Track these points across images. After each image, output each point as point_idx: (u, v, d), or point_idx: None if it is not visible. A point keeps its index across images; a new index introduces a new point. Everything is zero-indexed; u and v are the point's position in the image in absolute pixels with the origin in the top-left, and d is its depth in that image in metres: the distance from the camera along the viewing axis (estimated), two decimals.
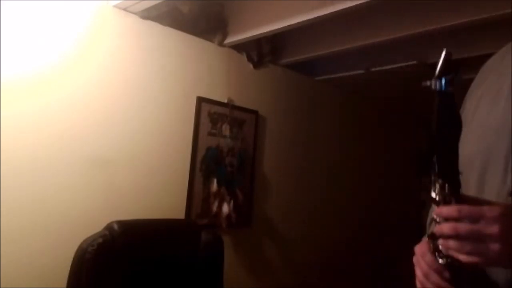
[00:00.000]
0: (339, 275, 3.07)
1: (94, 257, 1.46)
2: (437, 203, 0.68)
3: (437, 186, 0.68)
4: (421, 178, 3.92)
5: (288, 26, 2.05)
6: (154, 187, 2.15)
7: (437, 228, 0.68)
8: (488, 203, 0.68)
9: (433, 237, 0.70)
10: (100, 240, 1.50)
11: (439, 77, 0.66)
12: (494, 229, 0.62)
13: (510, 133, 0.73)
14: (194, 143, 2.31)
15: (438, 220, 0.68)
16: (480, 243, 0.63)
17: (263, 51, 2.64)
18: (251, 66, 2.64)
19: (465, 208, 0.65)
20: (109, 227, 1.57)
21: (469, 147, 0.77)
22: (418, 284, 0.76)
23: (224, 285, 1.82)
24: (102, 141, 1.98)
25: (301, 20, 1.98)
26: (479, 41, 2.16)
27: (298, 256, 2.86)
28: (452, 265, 0.68)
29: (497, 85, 0.80)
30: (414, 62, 2.45)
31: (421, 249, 0.75)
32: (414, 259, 0.77)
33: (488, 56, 0.90)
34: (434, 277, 0.71)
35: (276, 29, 2.12)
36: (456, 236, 0.64)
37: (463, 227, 0.64)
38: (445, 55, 0.67)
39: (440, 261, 0.69)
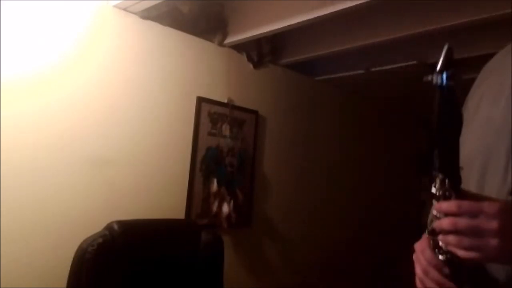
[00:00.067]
0: (339, 275, 3.07)
1: (94, 257, 1.46)
2: (437, 198, 0.69)
3: (438, 181, 0.68)
4: (421, 178, 3.93)
5: (288, 26, 2.05)
6: (154, 187, 2.15)
7: (436, 223, 0.68)
8: (489, 199, 0.68)
9: (433, 233, 0.70)
10: (100, 240, 1.50)
11: (441, 72, 0.66)
12: (493, 224, 0.62)
13: (511, 132, 0.73)
14: (194, 143, 2.31)
15: (438, 215, 0.68)
16: (479, 238, 0.63)
17: (263, 51, 2.64)
18: (251, 66, 2.64)
19: (465, 204, 0.65)
20: (109, 227, 1.57)
21: (469, 146, 0.78)
22: (417, 281, 0.76)
23: (224, 285, 1.82)
24: (102, 141, 1.98)
25: (301, 20, 1.98)
26: (479, 41, 2.16)
27: (298, 256, 2.86)
28: (452, 261, 0.68)
29: (498, 85, 0.80)
30: (414, 62, 2.45)
31: (421, 246, 0.75)
32: (414, 256, 0.77)
33: (488, 56, 0.90)
34: (434, 274, 0.71)
35: (276, 29, 2.12)
36: (455, 231, 0.65)
37: (462, 222, 0.64)
38: (447, 50, 0.67)
39: (440, 257, 0.69)
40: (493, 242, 0.62)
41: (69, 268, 1.48)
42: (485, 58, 0.91)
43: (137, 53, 2.12)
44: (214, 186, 2.36)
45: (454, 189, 0.67)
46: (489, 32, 2.09)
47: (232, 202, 2.41)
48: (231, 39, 2.39)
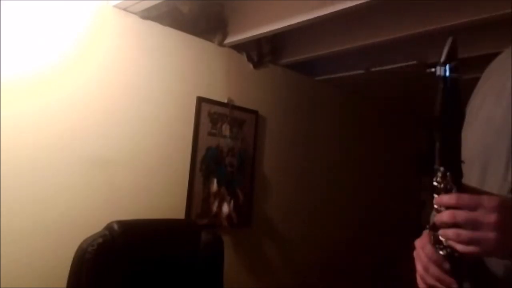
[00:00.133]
0: (339, 275, 3.07)
1: (94, 257, 1.46)
2: (438, 192, 0.69)
3: (439, 174, 0.69)
4: (421, 178, 3.93)
5: (288, 26, 2.05)
6: (154, 187, 2.15)
7: (437, 217, 0.68)
8: (489, 194, 0.68)
9: (434, 228, 0.70)
10: (100, 240, 1.50)
11: (444, 63, 0.66)
12: (491, 218, 0.62)
13: (511, 132, 0.73)
14: (194, 143, 2.31)
15: (438, 208, 0.68)
16: (478, 232, 0.63)
17: (263, 51, 2.64)
18: (251, 66, 2.64)
19: (465, 196, 0.66)
20: (109, 227, 1.57)
21: (471, 145, 0.78)
22: (418, 277, 0.76)
23: (224, 285, 1.82)
24: (102, 141, 1.98)
25: (301, 20, 1.98)
26: (479, 41, 2.16)
27: (298, 256, 2.86)
28: (452, 256, 0.68)
29: (500, 85, 0.81)
30: (414, 62, 2.45)
31: (421, 242, 0.76)
32: (415, 253, 0.77)
33: (488, 56, 0.91)
34: (434, 269, 0.71)
35: (276, 29, 2.12)
36: (454, 224, 0.65)
37: (461, 214, 0.65)
38: (451, 42, 0.67)
39: (441, 252, 0.70)
40: (492, 235, 0.62)
41: (69, 268, 1.48)
42: (485, 58, 0.91)
43: (137, 53, 2.12)
44: (214, 186, 2.36)
45: (455, 183, 0.67)
46: (489, 32, 2.09)
47: (232, 202, 2.41)
48: (231, 39, 2.39)
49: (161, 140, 2.19)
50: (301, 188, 2.92)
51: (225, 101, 2.46)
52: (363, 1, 1.74)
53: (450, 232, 0.66)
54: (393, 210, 3.61)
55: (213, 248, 1.81)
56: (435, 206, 0.69)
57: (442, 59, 0.67)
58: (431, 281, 0.72)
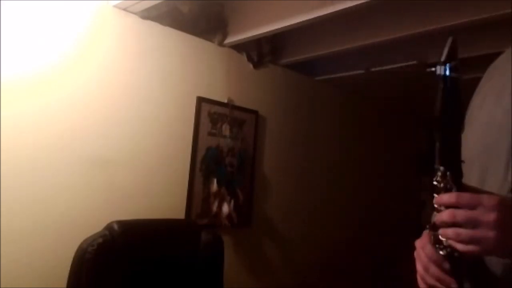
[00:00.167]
0: (339, 275, 3.07)
1: (94, 257, 1.46)
2: (438, 191, 0.69)
3: (439, 174, 0.69)
4: (421, 178, 3.93)
5: (288, 26, 2.05)
6: (154, 187, 2.15)
7: (437, 216, 0.68)
8: (489, 193, 0.68)
9: (434, 228, 0.70)
10: (100, 240, 1.50)
11: (444, 63, 0.66)
12: (491, 216, 0.63)
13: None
14: (194, 143, 2.31)
15: (437, 207, 0.68)
16: (477, 230, 0.63)
17: (263, 51, 2.64)
18: (251, 66, 2.64)
19: (464, 195, 0.66)
20: (109, 227, 1.57)
21: (471, 145, 0.78)
22: (418, 277, 0.76)
23: (224, 285, 1.82)
24: (102, 141, 1.98)
25: (301, 20, 1.98)
26: (479, 41, 2.16)
27: (298, 256, 2.86)
28: (452, 256, 0.68)
29: (501, 85, 0.81)
30: (414, 62, 2.45)
31: (421, 242, 0.76)
32: (415, 253, 0.77)
33: (488, 56, 0.91)
34: (434, 269, 0.71)
35: (276, 29, 2.12)
36: (454, 223, 0.65)
37: (461, 213, 0.65)
38: (452, 41, 0.67)
39: (441, 252, 0.70)
40: (491, 234, 0.62)
41: (69, 268, 1.48)
42: (485, 58, 0.91)
43: (137, 53, 2.12)
44: (214, 186, 2.36)
45: (455, 182, 0.67)
46: (489, 32, 2.09)
47: (232, 202, 2.41)
48: (231, 39, 2.39)
49: (161, 140, 2.19)
50: (301, 188, 2.92)
51: (225, 101, 2.46)
52: (363, 1, 1.74)
53: (450, 231, 0.66)
54: (393, 210, 3.61)
55: (213, 248, 1.81)
56: (435, 205, 0.69)
57: (443, 58, 0.67)
58: (431, 281, 0.72)
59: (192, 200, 2.28)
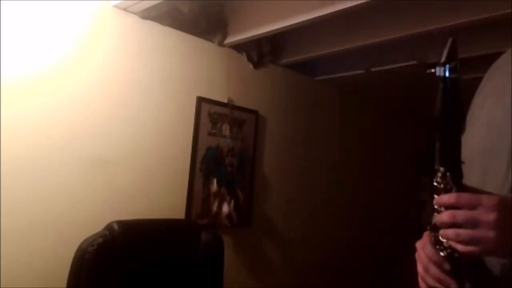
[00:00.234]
0: (339, 275, 3.07)
1: (94, 257, 1.46)
2: (438, 192, 0.69)
3: (439, 174, 0.69)
4: (421, 178, 3.93)
5: (288, 26, 2.05)
6: (154, 187, 2.15)
7: (437, 217, 0.69)
8: (489, 194, 0.68)
9: (434, 229, 0.70)
10: (100, 240, 1.50)
11: (444, 64, 0.67)
12: (490, 216, 0.62)
13: None
14: (194, 143, 2.31)
15: (438, 208, 0.69)
16: (477, 231, 0.63)
17: (263, 51, 2.64)
18: (251, 66, 2.64)
19: (464, 196, 0.66)
20: (109, 227, 1.57)
21: (473, 143, 0.78)
22: (419, 279, 0.76)
23: (224, 285, 1.82)
24: (102, 141, 1.99)
25: (301, 20, 1.98)
26: (479, 41, 2.16)
27: (298, 256, 2.86)
28: (452, 256, 0.68)
29: (502, 85, 0.81)
30: (414, 62, 2.45)
31: (422, 243, 0.76)
32: (416, 254, 0.77)
33: (488, 56, 0.91)
34: (434, 270, 0.72)
35: (276, 29, 2.12)
36: (454, 224, 0.65)
37: (461, 214, 0.65)
38: (451, 42, 0.67)
39: (441, 253, 0.70)
40: (491, 234, 0.62)
41: (69, 268, 1.48)
42: (485, 58, 0.91)
43: (137, 53, 2.12)
44: (214, 186, 2.36)
45: (455, 183, 0.67)
46: (489, 32, 2.09)
47: (232, 202, 2.41)
48: (231, 39, 2.39)
49: (161, 140, 2.19)
50: (301, 188, 2.92)
51: (225, 101, 2.46)
52: (363, 1, 1.74)
53: (450, 232, 0.66)
54: (393, 210, 3.61)
55: (213, 248, 1.80)
56: (435, 206, 0.69)
57: (442, 60, 0.67)
58: (432, 282, 0.72)
59: (192, 200, 2.28)
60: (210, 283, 1.77)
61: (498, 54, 0.90)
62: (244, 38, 2.31)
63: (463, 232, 0.64)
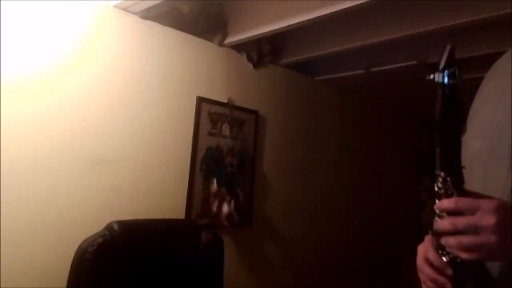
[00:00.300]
0: (339, 275, 3.07)
1: (94, 257, 1.46)
2: (439, 197, 0.69)
3: (440, 179, 0.69)
4: (421, 178, 3.93)
5: (288, 26, 2.05)
6: (154, 187, 2.15)
7: (438, 225, 0.69)
8: (489, 197, 0.68)
9: (436, 233, 0.71)
10: (100, 240, 1.50)
11: (443, 70, 0.67)
12: (491, 220, 0.63)
13: None
14: (194, 143, 2.31)
15: (438, 212, 0.69)
16: (478, 236, 0.63)
17: (263, 51, 2.64)
18: (251, 66, 2.64)
19: (463, 200, 0.66)
20: (109, 227, 1.57)
21: (475, 142, 0.79)
22: (422, 285, 0.77)
23: (224, 285, 1.82)
24: (102, 141, 1.98)
25: (301, 20, 1.98)
26: (479, 41, 2.16)
27: (298, 256, 2.86)
28: (455, 261, 0.69)
29: (503, 84, 0.81)
30: (414, 62, 2.45)
31: (424, 247, 0.76)
32: (418, 263, 0.77)
33: (488, 56, 0.91)
34: (428, 270, 0.72)
35: (276, 29, 2.12)
36: (455, 231, 0.65)
37: (461, 221, 0.65)
38: (450, 49, 0.67)
39: (444, 259, 0.70)
40: (493, 239, 0.62)
41: (69, 268, 1.48)
42: (485, 58, 0.91)
43: (137, 53, 2.12)
44: (214, 186, 2.36)
45: (456, 187, 0.68)
46: (489, 32, 2.09)
47: (232, 202, 2.41)
48: (231, 39, 2.39)
49: (161, 140, 2.19)
50: (301, 188, 2.92)
51: (225, 101, 2.46)
52: (363, 1, 1.74)
53: (452, 240, 0.66)
54: (393, 210, 3.61)
55: (213, 248, 1.80)
56: (436, 211, 0.69)
57: (441, 66, 0.67)
58: (429, 284, 0.73)
59: (192, 200, 2.28)
60: (210, 283, 1.77)
61: (498, 54, 0.90)
62: (244, 38, 2.31)
63: (465, 240, 0.65)
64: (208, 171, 2.36)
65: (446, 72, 0.67)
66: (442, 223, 0.68)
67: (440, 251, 0.71)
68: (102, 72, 1.99)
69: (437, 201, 0.70)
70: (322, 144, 3.10)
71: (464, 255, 0.65)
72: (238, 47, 2.50)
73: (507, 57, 0.87)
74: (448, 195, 0.68)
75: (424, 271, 0.73)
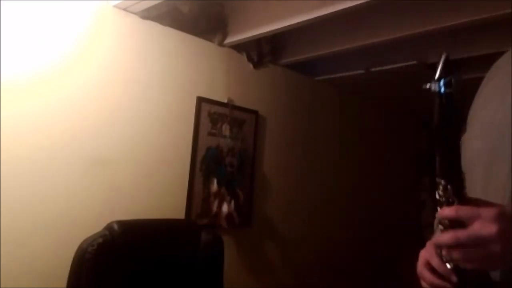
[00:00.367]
0: (339, 275, 3.07)
1: (94, 257, 1.46)
2: (441, 205, 0.69)
3: (440, 187, 0.69)
4: (421, 178, 3.93)
5: (288, 26, 2.05)
6: (154, 187, 2.15)
7: (439, 238, 0.69)
8: (489, 204, 0.68)
9: (439, 245, 0.71)
10: (100, 240, 1.50)
11: (439, 80, 0.67)
12: (491, 229, 0.62)
13: None
14: (194, 143, 2.31)
15: (441, 221, 0.69)
16: (481, 247, 0.63)
17: (263, 51, 2.64)
18: (251, 66, 2.64)
19: (463, 209, 0.66)
20: (109, 227, 1.57)
21: (475, 142, 0.79)
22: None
23: (224, 285, 1.82)
24: (102, 141, 1.98)
25: (301, 20, 1.98)
26: (479, 41, 2.16)
27: (298, 256, 2.86)
28: (459, 269, 0.69)
29: (503, 84, 0.81)
30: (414, 62, 2.45)
31: (426, 253, 0.76)
32: (418, 267, 0.77)
33: (488, 56, 0.91)
34: (428, 276, 0.72)
35: (276, 29, 2.12)
36: (458, 245, 0.65)
37: (463, 234, 0.65)
38: (445, 58, 0.68)
39: (448, 266, 0.70)
40: (496, 248, 0.62)
41: (69, 268, 1.48)
42: (485, 58, 0.91)
43: (137, 53, 2.12)
44: (214, 186, 2.36)
45: (457, 195, 0.68)
46: (489, 32, 2.09)
47: (232, 202, 2.41)
48: (231, 39, 2.39)
49: (161, 140, 2.19)
50: (301, 188, 2.92)
51: (225, 101, 2.46)
52: (363, 1, 1.74)
53: (455, 253, 0.66)
54: (393, 210, 3.61)
55: (213, 248, 1.81)
56: (438, 219, 0.70)
57: (437, 75, 0.68)
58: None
59: (192, 200, 2.28)
60: (210, 283, 1.77)
61: (498, 54, 0.90)
62: (244, 38, 2.31)
63: (468, 252, 0.65)
64: (208, 171, 2.36)
65: (442, 81, 0.67)
66: (443, 237, 0.68)
67: (444, 258, 0.71)
68: (102, 72, 1.99)
69: (439, 209, 0.70)
70: (322, 144, 3.10)
71: (468, 266, 0.66)
72: (238, 47, 2.50)
73: (507, 57, 0.86)
74: (449, 203, 0.68)
75: (425, 276, 0.73)
